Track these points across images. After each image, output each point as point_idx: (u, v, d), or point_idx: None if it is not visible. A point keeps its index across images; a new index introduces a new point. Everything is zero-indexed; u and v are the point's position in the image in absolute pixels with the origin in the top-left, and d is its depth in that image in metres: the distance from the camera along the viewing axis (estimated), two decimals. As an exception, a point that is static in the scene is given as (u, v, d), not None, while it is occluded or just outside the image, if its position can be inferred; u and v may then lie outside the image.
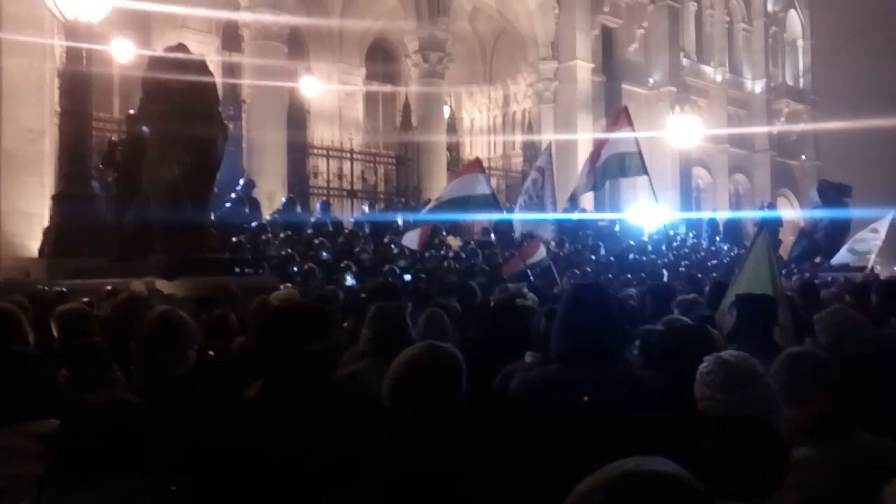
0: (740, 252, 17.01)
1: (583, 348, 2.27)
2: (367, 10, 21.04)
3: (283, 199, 13.27)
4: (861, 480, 1.36)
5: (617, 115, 11.35)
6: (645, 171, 10.13)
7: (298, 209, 12.91)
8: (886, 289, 5.08)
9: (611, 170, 10.36)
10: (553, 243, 15.18)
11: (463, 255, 12.45)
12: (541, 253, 10.64)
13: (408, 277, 10.16)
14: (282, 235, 10.69)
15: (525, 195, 11.54)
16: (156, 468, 1.80)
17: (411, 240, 10.83)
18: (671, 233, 18.47)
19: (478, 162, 10.98)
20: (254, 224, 10.94)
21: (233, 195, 12.07)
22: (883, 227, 14.02)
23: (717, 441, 1.83)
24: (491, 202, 9.95)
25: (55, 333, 4.08)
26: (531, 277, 10.15)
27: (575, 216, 15.16)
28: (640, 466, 0.98)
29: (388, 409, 1.78)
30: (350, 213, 15.66)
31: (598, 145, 10.89)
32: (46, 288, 6.69)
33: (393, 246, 11.67)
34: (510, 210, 12.59)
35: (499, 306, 4.08)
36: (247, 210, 11.94)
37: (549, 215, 11.31)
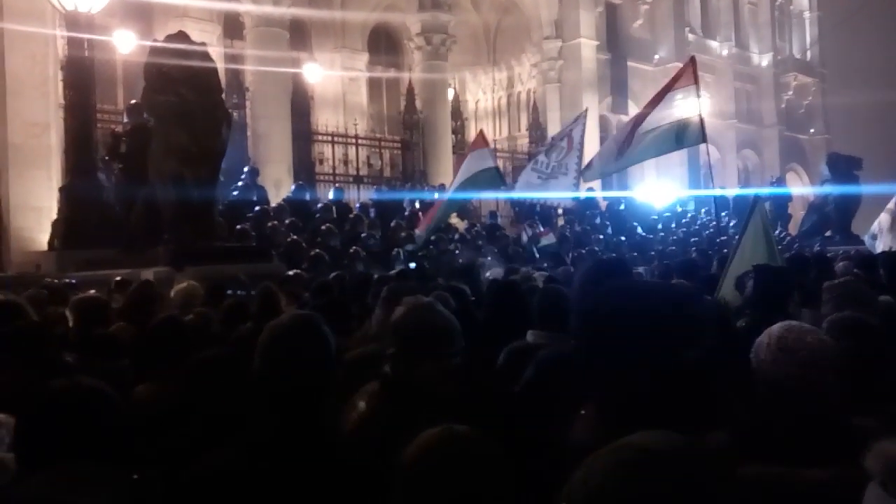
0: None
1: None
2: (369, -7, 20.92)
3: (293, 187, 13.28)
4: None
5: (682, 70, 9.28)
6: (704, 139, 8.64)
7: (308, 196, 12.92)
8: (893, 261, 5.04)
9: (663, 143, 8.80)
10: (563, 222, 15.16)
11: (468, 238, 12.43)
12: (550, 239, 10.65)
13: (412, 265, 10.13)
14: (287, 222, 10.69)
15: (535, 162, 11.29)
16: (119, 456, 1.74)
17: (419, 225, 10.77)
18: (679, 209, 18.39)
19: (481, 136, 10.74)
20: (256, 209, 10.94)
21: (240, 183, 12.09)
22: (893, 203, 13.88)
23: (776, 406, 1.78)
24: (495, 176, 9.75)
25: (71, 323, 4.12)
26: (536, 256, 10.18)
27: (583, 195, 15.07)
28: (634, 442, 0.95)
29: (258, 375, 1.84)
30: (357, 199, 15.63)
31: (643, 112, 9.48)
32: (53, 280, 6.71)
33: (402, 233, 11.64)
34: (513, 185, 12.45)
35: (499, 286, 4.07)
36: (255, 198, 11.97)
37: (569, 193, 11.08)
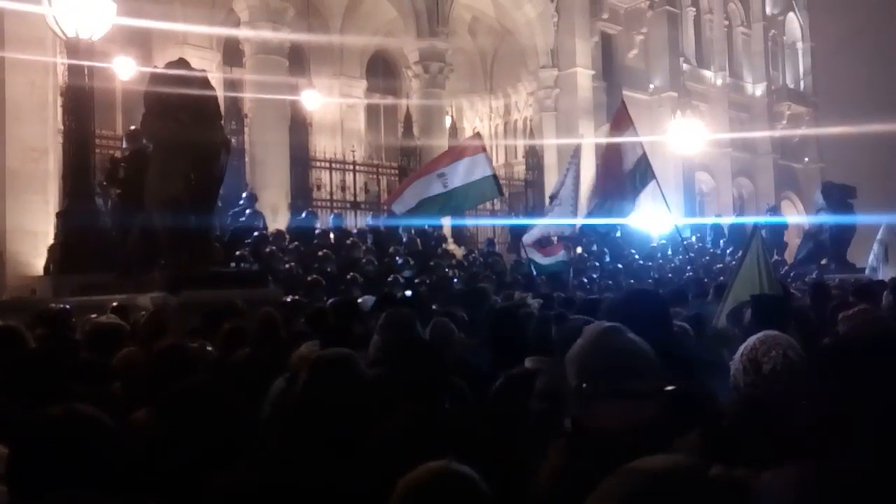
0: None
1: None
2: (368, 22, 21.12)
3: (304, 213, 13.34)
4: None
5: (617, 114, 10.40)
6: (653, 176, 9.69)
7: (318, 224, 12.97)
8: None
9: (638, 181, 9.61)
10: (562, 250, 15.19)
11: (465, 264, 12.45)
12: (560, 256, 10.56)
13: (409, 292, 10.07)
14: (286, 245, 10.71)
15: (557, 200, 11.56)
16: (115, 484, 1.68)
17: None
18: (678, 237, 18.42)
19: (479, 138, 10.47)
20: (255, 234, 10.96)
21: (247, 211, 12.15)
22: (883, 234, 14.18)
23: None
24: (493, 185, 9.62)
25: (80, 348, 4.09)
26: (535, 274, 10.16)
27: (578, 222, 15.14)
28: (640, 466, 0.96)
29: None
30: (354, 225, 15.66)
31: (613, 155, 10.19)
32: (53, 305, 6.67)
33: (398, 257, 11.65)
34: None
35: (498, 313, 4.06)
36: (259, 223, 12.03)
37: (571, 220, 11.24)
